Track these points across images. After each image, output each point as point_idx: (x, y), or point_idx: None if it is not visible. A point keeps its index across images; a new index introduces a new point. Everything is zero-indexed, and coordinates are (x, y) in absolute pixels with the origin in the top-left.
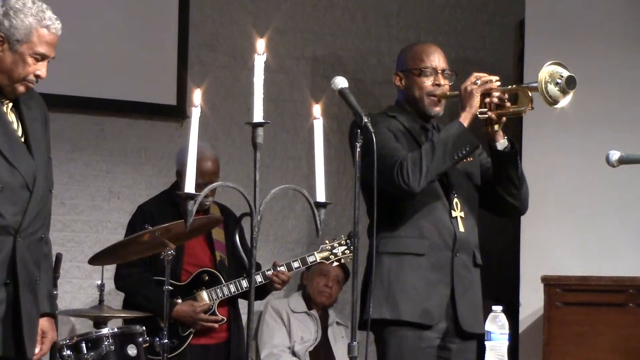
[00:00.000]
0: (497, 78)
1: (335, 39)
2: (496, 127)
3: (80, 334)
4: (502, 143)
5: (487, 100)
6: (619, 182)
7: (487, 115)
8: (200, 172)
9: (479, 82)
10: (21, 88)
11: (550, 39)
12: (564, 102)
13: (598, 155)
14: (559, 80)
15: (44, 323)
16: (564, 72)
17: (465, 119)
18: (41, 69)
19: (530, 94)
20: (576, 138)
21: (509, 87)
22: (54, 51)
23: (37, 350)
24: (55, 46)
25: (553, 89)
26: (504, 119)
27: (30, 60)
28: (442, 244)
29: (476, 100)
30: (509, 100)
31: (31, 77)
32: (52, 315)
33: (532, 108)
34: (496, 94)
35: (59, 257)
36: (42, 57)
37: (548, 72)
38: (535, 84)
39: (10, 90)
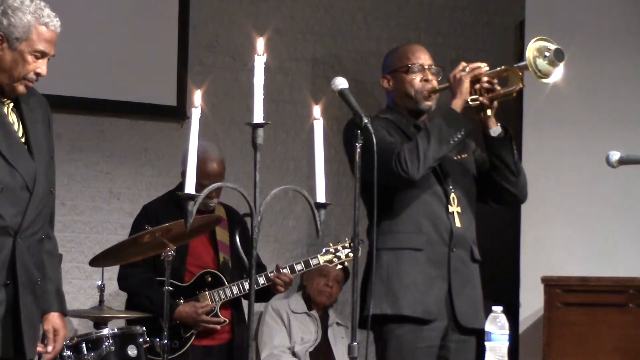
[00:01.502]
0: (485, 64)
1: (336, 39)
2: (488, 112)
3: (80, 334)
4: (495, 130)
5: (477, 86)
6: (619, 182)
7: (478, 102)
8: (205, 174)
9: (467, 69)
10: (21, 87)
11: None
12: (556, 75)
13: (598, 155)
14: (547, 54)
15: (55, 320)
16: (551, 45)
17: (456, 105)
18: (41, 66)
19: (520, 73)
20: (576, 138)
21: (498, 69)
22: (54, 49)
23: (49, 348)
24: (55, 43)
25: (542, 63)
26: (496, 103)
27: (30, 58)
28: (439, 239)
29: (465, 86)
30: (499, 84)
31: (31, 75)
32: (63, 312)
33: (523, 86)
34: (485, 78)
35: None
36: (42, 55)
37: (535, 48)
38: (524, 62)
39: (10, 90)
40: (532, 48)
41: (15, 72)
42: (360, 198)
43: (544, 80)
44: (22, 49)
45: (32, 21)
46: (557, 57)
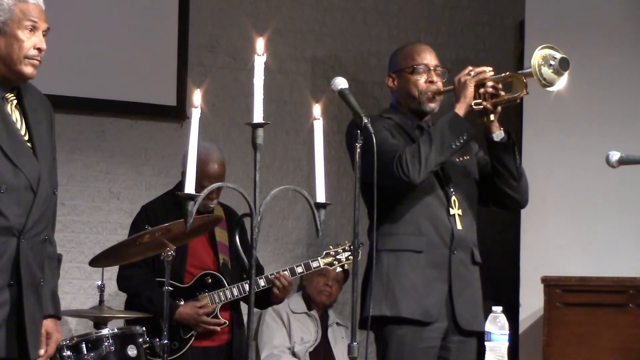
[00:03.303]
0: (490, 68)
1: (335, 40)
2: (492, 117)
3: (80, 334)
4: (498, 134)
5: (482, 90)
6: (619, 182)
7: (482, 106)
8: (206, 175)
9: (472, 73)
10: (28, 68)
11: (550, 39)
12: (560, 84)
13: (598, 155)
14: (552, 62)
15: (48, 324)
16: (557, 54)
17: (460, 109)
18: (38, 39)
19: (524, 80)
20: (576, 138)
21: (503, 75)
22: (45, 22)
23: (42, 352)
24: (44, 17)
25: (547, 72)
26: (500, 108)
27: (22, 34)
28: (440, 242)
29: (470, 90)
30: (503, 89)
31: (32, 51)
32: (57, 316)
33: (527, 93)
34: (490, 83)
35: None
36: (33, 27)
37: (541, 56)
38: (529, 69)
39: (17, 77)
40: (537, 56)
41: (14, 55)
42: (360, 198)
43: (548, 89)
44: (12, 29)
45: (11, 1)
46: (563, 66)
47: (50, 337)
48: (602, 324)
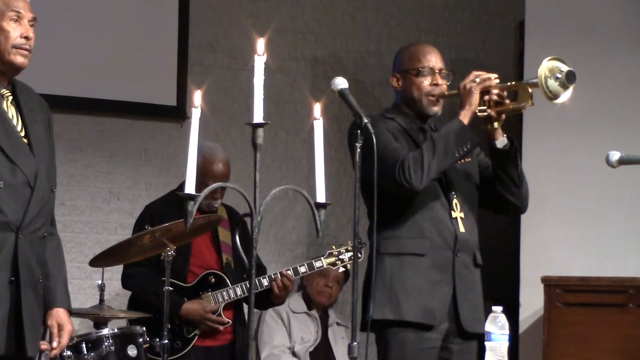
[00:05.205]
0: (496, 75)
1: (335, 39)
2: (496, 124)
3: (80, 334)
4: (501, 141)
5: (487, 97)
6: (619, 182)
7: (486, 113)
8: (211, 175)
9: (477, 80)
10: (18, 58)
11: (550, 39)
12: (565, 96)
13: (598, 155)
14: (558, 75)
15: (59, 315)
16: (564, 66)
17: (465, 117)
18: (24, 28)
19: (530, 90)
20: (576, 138)
21: (509, 84)
22: (30, 11)
23: (54, 343)
24: (29, 6)
25: (553, 84)
26: (504, 116)
27: (7, 25)
28: (443, 244)
29: (475, 97)
30: (508, 97)
31: (19, 40)
32: (68, 309)
33: (533, 104)
34: (495, 91)
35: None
36: (17, 17)
37: (548, 68)
38: (535, 80)
39: (8, 69)
40: (544, 67)
41: (1, 46)
42: (360, 198)
43: (553, 101)
44: None
45: None
46: (569, 79)
47: (62, 328)
48: (602, 324)
